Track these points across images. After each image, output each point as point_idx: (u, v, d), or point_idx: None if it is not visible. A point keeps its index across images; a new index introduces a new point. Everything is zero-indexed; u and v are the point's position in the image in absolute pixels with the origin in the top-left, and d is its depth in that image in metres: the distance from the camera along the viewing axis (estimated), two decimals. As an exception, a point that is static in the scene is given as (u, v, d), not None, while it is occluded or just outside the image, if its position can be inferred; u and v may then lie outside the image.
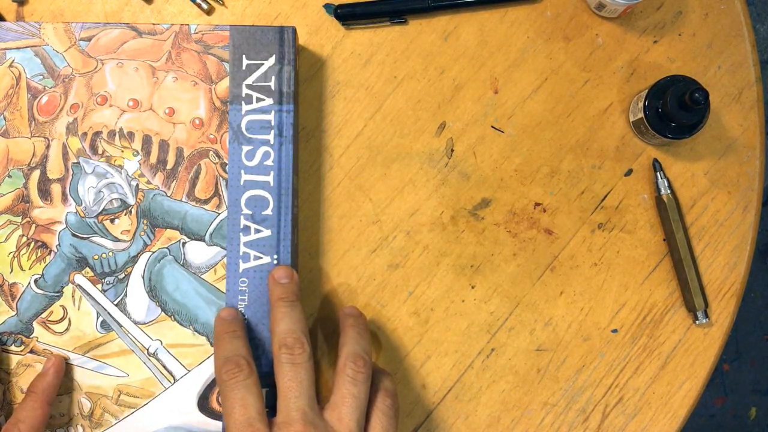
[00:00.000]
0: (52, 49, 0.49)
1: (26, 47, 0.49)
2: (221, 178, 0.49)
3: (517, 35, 0.53)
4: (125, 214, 0.49)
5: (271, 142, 0.49)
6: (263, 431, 0.41)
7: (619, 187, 0.53)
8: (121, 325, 0.49)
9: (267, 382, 0.47)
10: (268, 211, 0.49)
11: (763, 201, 1.21)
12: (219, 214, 0.49)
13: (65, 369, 0.48)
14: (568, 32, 0.53)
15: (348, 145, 0.53)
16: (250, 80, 0.49)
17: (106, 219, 0.49)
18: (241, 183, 0.49)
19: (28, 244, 0.49)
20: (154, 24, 0.50)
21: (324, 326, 0.52)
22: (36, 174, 0.49)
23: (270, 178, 0.49)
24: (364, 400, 0.44)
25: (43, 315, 0.49)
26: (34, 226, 0.49)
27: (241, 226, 0.49)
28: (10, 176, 0.49)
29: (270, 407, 0.46)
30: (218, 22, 0.53)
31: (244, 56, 0.49)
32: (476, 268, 0.52)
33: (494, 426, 0.52)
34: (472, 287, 0.52)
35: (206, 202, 0.49)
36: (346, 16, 0.53)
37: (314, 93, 0.53)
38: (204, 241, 0.49)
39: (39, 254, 0.49)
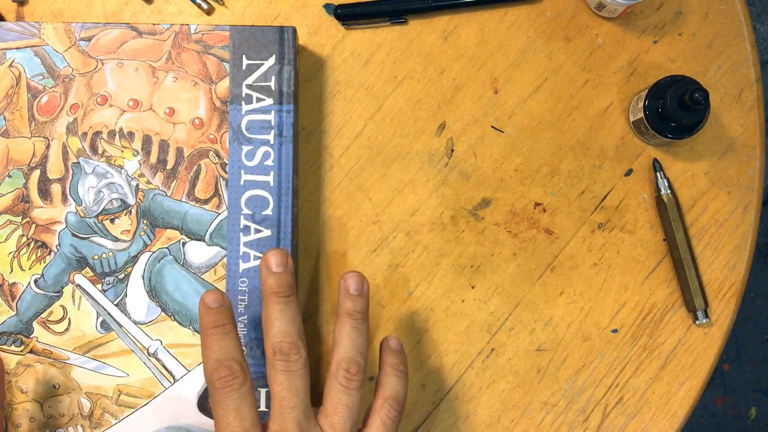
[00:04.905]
0: (52, 49, 0.49)
1: (26, 47, 0.49)
2: (221, 178, 0.49)
3: (517, 35, 0.53)
4: (125, 214, 0.49)
5: (271, 142, 0.49)
6: None
7: (619, 187, 0.53)
8: (121, 325, 0.49)
9: (265, 383, 0.47)
10: (268, 211, 0.49)
11: (763, 201, 1.21)
12: (219, 214, 0.49)
13: (68, 367, 0.49)
14: (568, 32, 0.53)
15: (348, 145, 0.53)
16: (250, 80, 0.49)
17: (106, 219, 0.49)
18: (241, 183, 0.49)
19: (28, 244, 0.49)
20: (154, 24, 0.50)
21: (324, 326, 0.52)
22: (36, 174, 0.49)
23: (270, 178, 0.49)
24: (358, 406, 0.44)
25: (43, 315, 0.49)
26: (34, 226, 0.49)
27: (241, 226, 0.49)
28: (10, 176, 0.49)
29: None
30: (218, 22, 0.53)
31: (244, 56, 0.49)
32: (476, 268, 0.52)
33: (494, 426, 0.52)
34: (472, 287, 0.52)
35: (206, 202, 0.49)
36: (346, 16, 0.53)
37: (314, 93, 0.53)
38: (204, 241, 0.49)
39: (39, 254, 0.49)
